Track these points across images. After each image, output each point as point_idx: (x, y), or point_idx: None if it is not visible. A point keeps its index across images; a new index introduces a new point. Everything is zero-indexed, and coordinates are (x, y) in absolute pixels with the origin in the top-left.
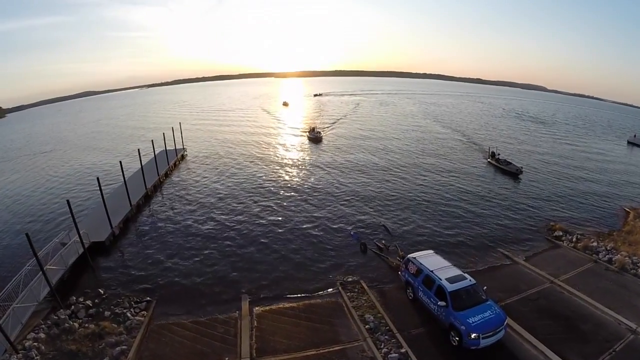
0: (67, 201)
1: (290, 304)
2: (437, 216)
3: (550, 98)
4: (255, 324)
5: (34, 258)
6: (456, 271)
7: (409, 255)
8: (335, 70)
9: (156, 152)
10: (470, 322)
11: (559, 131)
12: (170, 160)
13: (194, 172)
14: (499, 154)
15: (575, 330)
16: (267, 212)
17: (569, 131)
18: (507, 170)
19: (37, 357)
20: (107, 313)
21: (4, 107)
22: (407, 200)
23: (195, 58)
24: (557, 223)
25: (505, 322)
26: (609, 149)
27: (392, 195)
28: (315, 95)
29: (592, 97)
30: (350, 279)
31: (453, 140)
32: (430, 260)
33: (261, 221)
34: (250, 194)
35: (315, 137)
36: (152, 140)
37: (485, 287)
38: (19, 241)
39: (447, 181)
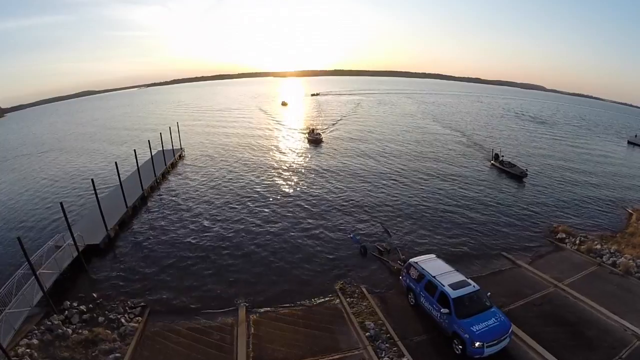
0: (61, 203)
1: (289, 310)
2: (439, 219)
3: (549, 97)
4: (253, 331)
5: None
6: (459, 276)
7: (410, 260)
8: (335, 70)
9: (153, 153)
10: (474, 330)
11: (559, 131)
12: (168, 161)
13: (192, 173)
14: (502, 156)
15: (581, 337)
16: (265, 215)
17: (569, 131)
18: (511, 172)
19: None
20: (101, 319)
21: (3, 106)
22: (408, 203)
23: (195, 57)
24: (559, 225)
25: (510, 330)
26: (610, 149)
27: (393, 198)
28: (313, 95)
29: (591, 97)
30: (350, 284)
31: (454, 141)
32: (432, 265)
33: (259, 224)
34: (248, 196)
35: (315, 139)
36: (148, 141)
37: (489, 293)
38: (13, 244)
39: (450, 184)
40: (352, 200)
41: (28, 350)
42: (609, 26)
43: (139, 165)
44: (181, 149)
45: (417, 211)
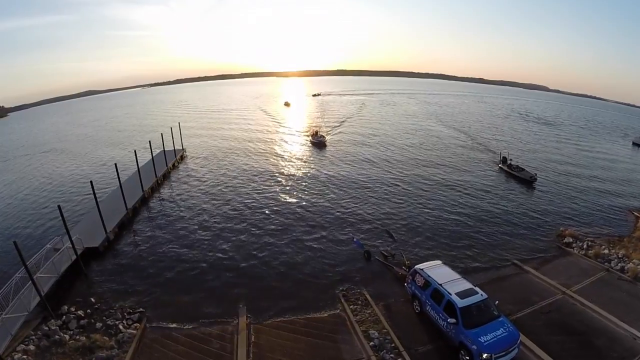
0: (58, 206)
1: (290, 317)
2: (445, 223)
3: (553, 98)
4: (253, 339)
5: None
6: (466, 284)
7: (416, 266)
8: (337, 70)
9: (154, 154)
10: (482, 341)
11: (564, 132)
12: (169, 162)
13: (193, 174)
14: (510, 159)
15: (590, 346)
16: (267, 219)
17: (574, 132)
18: (519, 177)
19: None
20: (98, 324)
21: (6, 106)
22: (413, 207)
23: (197, 57)
24: (566, 229)
25: (519, 341)
26: (615, 150)
27: (398, 202)
28: (314, 95)
29: (595, 97)
30: (353, 290)
31: (460, 143)
32: (438, 272)
33: (261, 229)
34: (250, 200)
35: (318, 142)
36: (149, 142)
37: (497, 302)
38: (11, 247)
39: (456, 187)
40: (355, 205)
41: (25, 356)
42: (612, 26)
43: (140, 166)
44: (183, 149)
45: (422, 215)
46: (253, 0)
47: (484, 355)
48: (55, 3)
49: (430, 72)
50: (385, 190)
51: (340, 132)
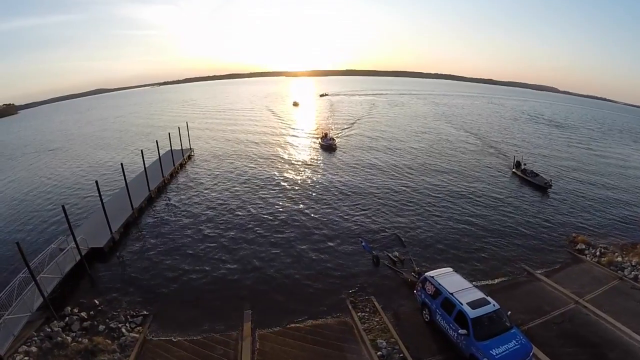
0: (63, 206)
1: (296, 324)
2: (455, 229)
3: (563, 99)
4: (258, 347)
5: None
6: (478, 294)
7: (426, 274)
8: (346, 70)
9: (161, 153)
10: (494, 354)
11: (575, 134)
12: (176, 161)
13: (201, 174)
14: (524, 164)
15: (603, 359)
16: (274, 223)
17: (585, 134)
18: (534, 182)
19: None
20: (101, 327)
21: (16, 103)
22: (423, 211)
23: (206, 57)
24: (578, 235)
25: (532, 353)
26: (627, 153)
27: (407, 206)
28: (321, 95)
29: (604, 99)
30: (361, 297)
31: (471, 146)
32: (449, 280)
33: (267, 232)
34: (257, 203)
35: (328, 145)
36: (156, 141)
37: (509, 312)
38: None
39: (468, 191)
40: (364, 211)
41: (26, 357)
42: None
43: (146, 165)
44: (190, 149)
45: (432, 220)
46: (262, 0)
47: None
48: (64, 2)
49: (438, 72)
50: (394, 196)
51: (349, 134)
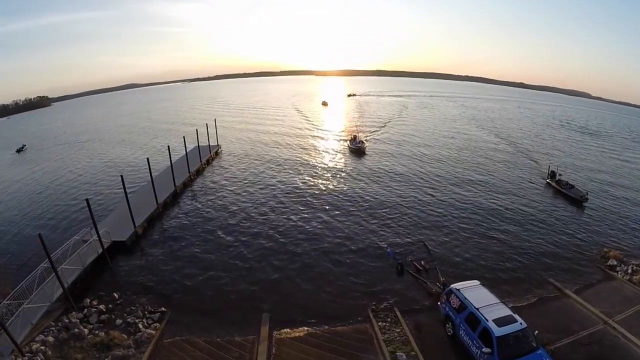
0: (86, 200)
1: (314, 330)
2: (484, 239)
3: (595, 106)
4: (274, 351)
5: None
6: (505, 310)
7: (452, 286)
8: (376, 70)
9: (189, 149)
10: None
11: (609, 143)
12: (203, 158)
13: (227, 172)
14: (560, 175)
15: None
16: (298, 225)
17: (619, 144)
18: (569, 195)
19: None
20: (118, 321)
21: (50, 96)
22: (451, 219)
23: (237, 54)
24: (610, 250)
25: None
26: None
27: (435, 213)
28: (349, 95)
29: (638, 106)
30: (383, 305)
31: (502, 153)
32: (475, 294)
33: (291, 235)
34: (282, 203)
35: (357, 149)
36: (183, 137)
37: (536, 332)
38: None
39: (499, 201)
40: (391, 218)
41: (42, 347)
42: None
43: (173, 161)
44: (218, 145)
45: (460, 229)
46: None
47: None
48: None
49: (468, 74)
50: (421, 205)
51: (379, 138)
